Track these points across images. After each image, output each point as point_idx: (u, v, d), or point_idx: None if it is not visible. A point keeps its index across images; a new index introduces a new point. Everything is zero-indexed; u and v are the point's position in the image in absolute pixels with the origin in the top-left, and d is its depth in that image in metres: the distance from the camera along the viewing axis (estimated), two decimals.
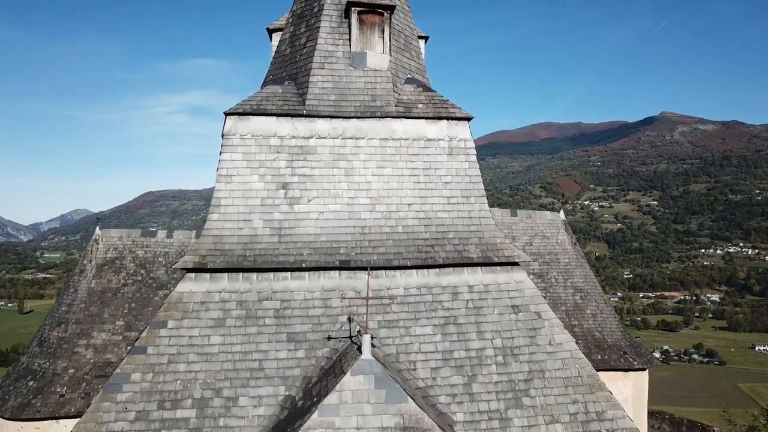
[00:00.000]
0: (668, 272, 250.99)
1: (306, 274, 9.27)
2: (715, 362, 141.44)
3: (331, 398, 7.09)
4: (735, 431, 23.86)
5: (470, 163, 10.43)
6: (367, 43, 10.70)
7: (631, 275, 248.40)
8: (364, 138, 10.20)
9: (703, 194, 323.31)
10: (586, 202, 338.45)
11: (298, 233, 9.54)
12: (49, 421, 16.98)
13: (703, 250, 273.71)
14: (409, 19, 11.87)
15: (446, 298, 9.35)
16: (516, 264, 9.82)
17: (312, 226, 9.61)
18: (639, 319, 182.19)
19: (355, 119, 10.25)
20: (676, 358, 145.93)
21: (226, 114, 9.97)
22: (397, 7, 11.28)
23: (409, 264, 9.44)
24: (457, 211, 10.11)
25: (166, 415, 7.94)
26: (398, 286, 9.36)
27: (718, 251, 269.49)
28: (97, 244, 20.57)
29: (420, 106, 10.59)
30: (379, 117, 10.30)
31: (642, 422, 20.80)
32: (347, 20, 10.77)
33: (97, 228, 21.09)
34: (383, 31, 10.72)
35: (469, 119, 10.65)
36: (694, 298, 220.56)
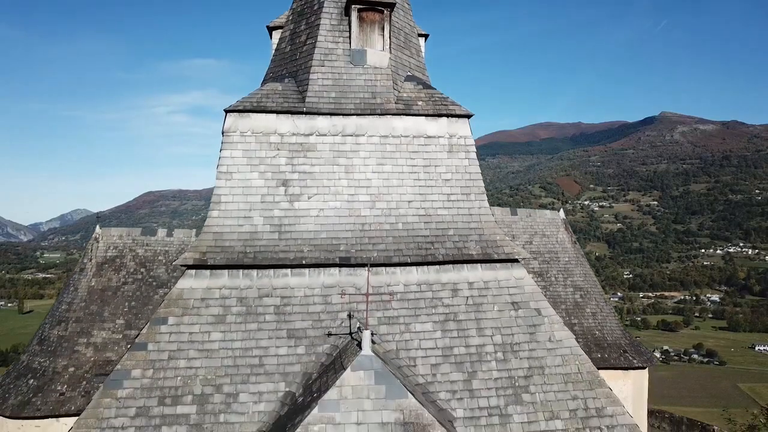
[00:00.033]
0: (668, 272, 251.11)
1: (306, 270, 9.28)
2: (715, 362, 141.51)
3: (331, 394, 7.11)
4: (735, 430, 23.87)
5: (470, 161, 10.45)
6: (367, 40, 10.71)
7: (631, 275, 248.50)
8: (364, 135, 10.22)
9: (703, 194, 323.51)
10: (586, 202, 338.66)
11: (299, 230, 9.55)
12: (50, 419, 16.99)
13: (703, 250, 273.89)
14: (409, 16, 11.88)
15: (446, 295, 9.36)
16: (516, 261, 9.84)
17: (312, 223, 9.63)
18: (639, 319, 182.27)
19: (355, 116, 10.26)
20: (676, 358, 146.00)
21: (227, 111, 9.99)
22: (397, 5, 11.30)
23: (409, 261, 9.46)
24: (457, 208, 10.12)
25: (167, 411, 7.96)
26: (398, 282, 9.38)
27: (718, 251, 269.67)
28: (98, 242, 20.58)
29: (420, 103, 10.61)
30: (379, 114, 10.32)
31: (642, 421, 20.83)
32: (347, 18, 10.79)
33: (98, 227, 21.10)
34: (383, 29, 10.74)
35: (469, 116, 10.67)
36: (694, 298, 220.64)
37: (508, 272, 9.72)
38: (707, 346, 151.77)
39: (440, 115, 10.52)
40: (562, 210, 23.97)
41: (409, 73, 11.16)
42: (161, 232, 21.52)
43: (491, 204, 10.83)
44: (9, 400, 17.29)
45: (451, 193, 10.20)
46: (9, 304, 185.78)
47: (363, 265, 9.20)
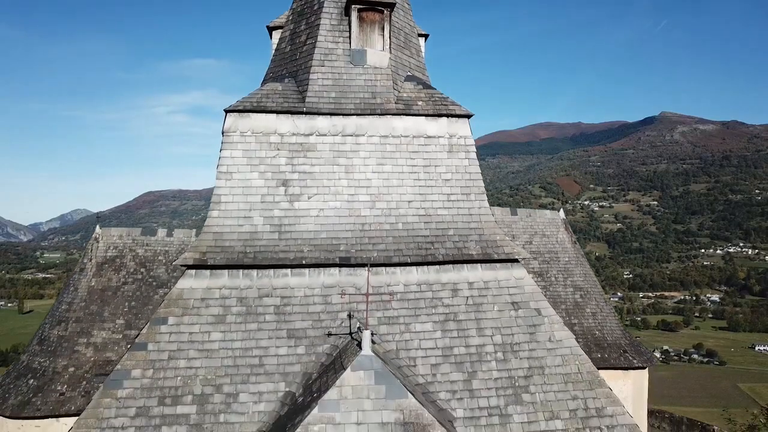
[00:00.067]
0: (668, 272, 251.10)
1: (306, 270, 9.28)
2: (715, 362, 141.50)
3: (331, 393, 7.10)
4: (735, 430, 23.86)
5: (470, 161, 10.45)
6: (367, 40, 10.71)
7: (631, 275, 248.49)
8: (364, 135, 10.22)
9: (703, 194, 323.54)
10: (586, 202, 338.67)
11: (299, 230, 9.55)
12: (50, 419, 16.99)
13: (703, 250, 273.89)
14: (409, 16, 11.88)
15: (446, 295, 9.36)
16: (516, 261, 9.84)
17: (312, 223, 9.63)
18: (639, 319, 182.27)
19: (355, 116, 10.26)
20: (676, 358, 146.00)
21: (227, 111, 9.99)
22: (396, 5, 11.30)
23: (409, 261, 9.46)
24: (457, 208, 10.12)
25: (167, 411, 7.96)
26: (398, 282, 9.37)
27: (718, 251, 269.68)
28: (98, 242, 20.57)
29: (420, 103, 10.61)
30: (379, 114, 10.32)
31: (642, 421, 20.82)
32: (347, 18, 10.79)
33: (98, 226, 21.10)
34: (383, 29, 10.74)
35: (469, 116, 10.67)
36: (694, 298, 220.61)
37: (508, 272, 9.72)
38: (707, 346, 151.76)
39: (440, 115, 10.52)
40: (562, 210, 23.97)
41: (409, 73, 11.16)
42: (161, 232, 21.52)
43: (491, 204, 10.84)
44: (9, 400, 17.29)
45: (451, 193, 10.20)
46: (9, 304, 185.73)
47: (363, 265, 9.20)
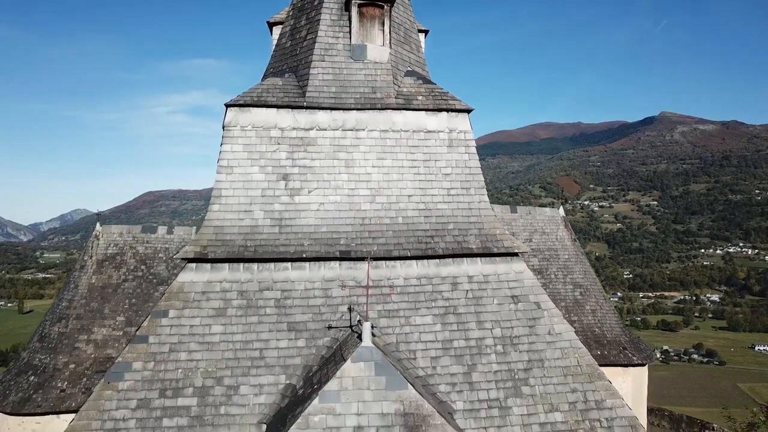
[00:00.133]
0: (668, 272, 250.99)
1: (306, 264, 9.32)
2: (715, 362, 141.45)
3: (331, 385, 7.14)
4: (735, 428, 23.85)
5: (470, 155, 10.48)
6: (367, 35, 10.75)
7: (631, 275, 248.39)
8: (364, 130, 10.25)
9: (703, 194, 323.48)
10: (586, 202, 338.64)
11: (299, 224, 9.58)
12: (50, 416, 17.03)
13: (702, 250, 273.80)
14: (409, 12, 11.92)
15: (446, 289, 9.40)
16: (515, 254, 9.87)
17: (312, 217, 9.66)
18: (639, 319, 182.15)
19: (355, 111, 10.30)
20: (675, 358, 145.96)
21: (227, 105, 10.02)
22: (396, 0, 11.33)
23: (409, 254, 9.49)
24: (456, 202, 10.16)
25: (168, 403, 7.99)
26: (398, 276, 9.41)
27: (718, 251, 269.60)
28: (98, 240, 20.61)
29: (420, 98, 10.64)
30: (379, 109, 10.35)
31: (641, 418, 20.84)
32: (347, 13, 10.82)
33: (98, 224, 21.13)
34: (383, 24, 10.77)
35: (469, 111, 10.70)
36: (694, 298, 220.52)
37: (508, 266, 9.76)
38: (707, 346, 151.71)
39: (440, 110, 10.55)
40: (561, 207, 23.99)
41: (409, 69, 11.20)
42: (161, 230, 21.57)
43: (491, 204, 10.87)
44: (9, 397, 17.33)
45: (451, 187, 10.23)
46: (9, 304, 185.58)
47: (363, 259, 9.23)
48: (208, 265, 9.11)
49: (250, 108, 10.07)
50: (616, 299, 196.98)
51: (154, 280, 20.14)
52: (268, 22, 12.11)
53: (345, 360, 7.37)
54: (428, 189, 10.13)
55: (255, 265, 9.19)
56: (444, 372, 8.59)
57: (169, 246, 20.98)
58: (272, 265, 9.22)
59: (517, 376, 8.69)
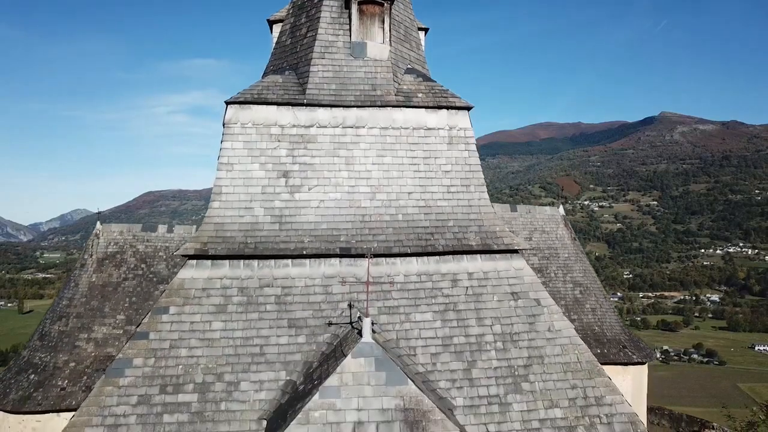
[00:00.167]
0: (668, 272, 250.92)
1: (307, 261, 9.33)
2: (715, 362, 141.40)
3: (331, 380, 7.15)
4: (734, 427, 23.86)
5: (470, 152, 10.50)
6: (367, 33, 10.77)
7: (630, 275, 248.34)
8: (364, 127, 10.27)
9: (703, 194, 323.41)
10: (586, 202, 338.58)
11: (299, 221, 9.60)
12: (50, 414, 17.03)
13: (702, 250, 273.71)
14: (409, 10, 11.94)
15: (446, 285, 9.41)
16: (515, 251, 9.89)
17: (313, 214, 9.68)
18: (639, 319, 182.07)
19: (355, 108, 10.32)
20: (675, 358, 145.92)
21: (227, 102, 10.04)
22: None
23: (409, 251, 9.51)
24: (456, 199, 10.18)
25: (168, 399, 8.00)
26: (398, 273, 9.43)
27: (718, 251, 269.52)
28: (98, 238, 20.61)
29: (420, 95, 10.66)
30: (379, 106, 10.37)
31: (641, 416, 20.85)
32: (347, 11, 10.84)
33: (98, 223, 21.14)
34: (383, 22, 10.79)
35: (468, 108, 10.72)
36: (694, 298, 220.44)
37: (508, 263, 9.78)
38: (707, 346, 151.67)
39: (440, 107, 10.57)
40: (561, 206, 24.00)
41: (409, 66, 11.22)
42: (162, 229, 21.57)
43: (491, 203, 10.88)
44: (10, 395, 17.33)
45: (450, 184, 10.25)
46: (9, 304, 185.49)
47: (363, 256, 9.25)
48: (208, 262, 9.13)
49: (251, 105, 10.09)
50: (616, 299, 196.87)
51: (155, 279, 20.14)
52: (268, 20, 12.13)
53: (345, 356, 7.39)
54: (428, 186, 10.15)
55: (255, 262, 9.21)
56: (444, 368, 8.61)
57: (169, 244, 20.99)
58: (272, 261, 9.24)
59: (517, 373, 8.71)
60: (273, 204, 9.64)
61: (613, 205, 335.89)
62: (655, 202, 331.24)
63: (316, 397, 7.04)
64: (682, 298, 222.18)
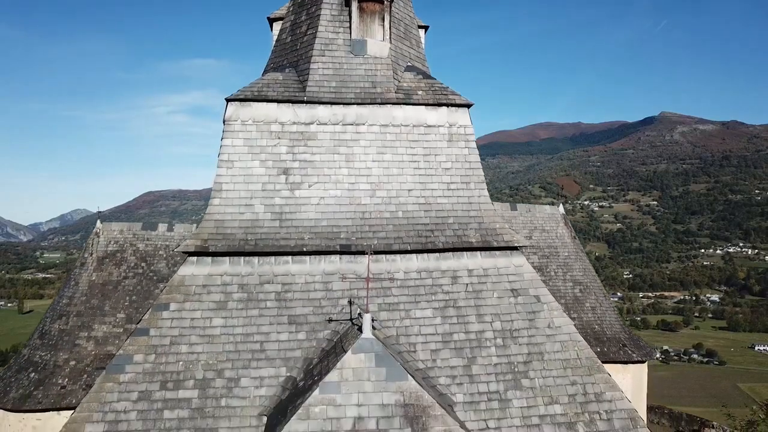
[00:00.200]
0: (668, 272, 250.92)
1: (307, 258, 9.35)
2: (715, 362, 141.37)
3: (332, 376, 7.16)
4: (734, 426, 23.86)
5: (470, 150, 10.51)
6: (367, 30, 10.78)
7: (630, 275, 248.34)
8: (364, 124, 10.28)
9: (703, 194, 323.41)
10: (586, 202, 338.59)
11: (299, 218, 9.62)
12: (51, 412, 17.04)
13: (702, 250, 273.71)
14: (409, 7, 11.96)
15: (446, 282, 9.43)
16: (515, 248, 9.90)
17: (313, 211, 9.69)
18: (639, 319, 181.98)
19: (355, 105, 10.33)
20: (675, 358, 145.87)
21: (228, 100, 10.06)
22: None
23: (409, 248, 9.52)
24: (456, 196, 10.19)
25: (169, 396, 8.02)
26: (398, 270, 9.44)
27: (718, 251, 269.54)
28: (98, 237, 20.62)
29: (420, 92, 10.67)
30: (379, 103, 10.38)
31: (641, 414, 20.86)
32: (348, 8, 10.85)
33: (98, 221, 21.15)
34: (383, 19, 10.81)
35: (468, 106, 10.73)
36: (694, 298, 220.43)
37: (508, 260, 9.79)
38: (707, 346, 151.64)
39: (440, 105, 10.59)
40: (561, 205, 24.02)
41: (409, 64, 11.23)
42: (162, 227, 21.57)
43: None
44: (10, 394, 17.34)
45: (450, 181, 10.26)
46: (9, 304, 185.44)
47: (363, 253, 9.26)
48: (209, 259, 9.15)
49: (251, 102, 10.10)
50: (616, 299, 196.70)
51: (155, 277, 20.15)
52: (268, 18, 12.15)
53: (345, 351, 7.40)
54: (428, 183, 10.16)
55: (255, 259, 9.23)
56: (444, 365, 8.62)
57: (169, 243, 21.00)
58: (273, 258, 9.26)
59: (516, 369, 8.72)
60: (273, 201, 9.66)
61: (613, 205, 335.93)
62: (655, 202, 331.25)
63: (316, 392, 7.05)
64: (682, 298, 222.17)
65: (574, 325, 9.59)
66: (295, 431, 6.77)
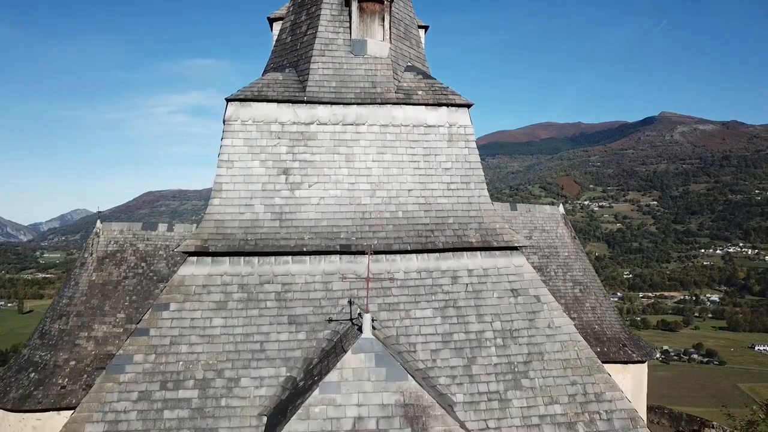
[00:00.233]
0: (668, 272, 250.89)
1: (307, 258, 9.35)
2: (715, 362, 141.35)
3: (332, 376, 7.16)
4: (734, 425, 23.86)
5: (470, 150, 10.51)
6: (367, 30, 10.78)
7: (630, 275, 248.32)
8: (364, 124, 10.28)
9: (703, 194, 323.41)
10: (586, 202, 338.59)
11: (299, 218, 9.62)
12: (51, 412, 17.04)
13: (702, 250, 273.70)
14: (409, 7, 11.96)
15: (446, 282, 9.42)
16: (515, 248, 9.90)
17: (313, 211, 9.69)
18: (639, 319, 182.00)
19: (355, 105, 10.33)
20: (675, 358, 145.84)
21: (228, 100, 10.06)
22: None
23: (409, 248, 9.52)
24: (456, 196, 10.19)
25: (169, 396, 8.02)
26: (398, 270, 9.44)
27: (718, 251, 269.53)
28: (98, 237, 20.62)
29: (420, 92, 10.67)
30: (379, 103, 10.38)
31: (641, 414, 20.86)
32: (348, 8, 10.85)
33: (98, 221, 21.15)
34: (383, 19, 10.81)
35: (468, 106, 10.73)
36: (694, 298, 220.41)
37: (508, 260, 9.79)
38: (707, 346, 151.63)
39: (440, 105, 10.59)
40: (561, 205, 24.02)
41: (409, 64, 11.23)
42: (162, 227, 21.57)
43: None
44: (10, 394, 17.34)
45: (450, 181, 10.26)
46: (9, 304, 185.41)
47: (363, 253, 9.26)
48: (209, 259, 9.14)
49: (251, 102, 10.10)
50: (616, 299, 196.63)
51: (155, 277, 20.15)
52: (268, 18, 12.15)
53: (345, 351, 7.40)
54: (428, 183, 10.16)
55: (255, 259, 9.23)
56: (444, 365, 8.62)
57: (169, 243, 21.00)
58: (273, 258, 9.26)
59: (516, 369, 8.72)
60: (273, 201, 9.66)
61: (613, 205, 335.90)
62: (655, 202, 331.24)
63: (316, 392, 7.05)
64: (682, 298, 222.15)
65: (574, 325, 9.58)
66: (295, 431, 6.77)
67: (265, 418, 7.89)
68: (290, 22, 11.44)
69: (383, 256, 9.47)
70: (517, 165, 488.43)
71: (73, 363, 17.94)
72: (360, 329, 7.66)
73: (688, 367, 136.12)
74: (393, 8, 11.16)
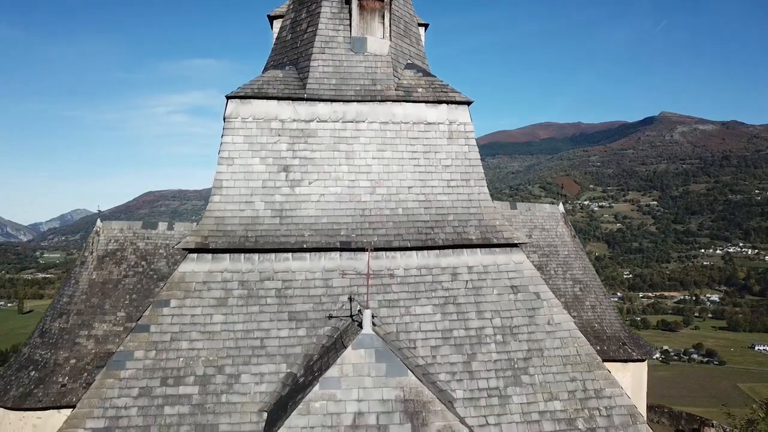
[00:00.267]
0: (668, 272, 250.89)
1: (307, 255, 9.37)
2: (715, 362, 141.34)
3: (332, 371, 7.18)
4: (734, 424, 23.86)
5: (470, 147, 10.53)
6: (367, 28, 10.80)
7: (630, 275, 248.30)
8: (364, 122, 10.30)
9: (703, 194, 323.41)
10: (586, 202, 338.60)
11: (300, 215, 9.63)
12: (51, 410, 17.06)
13: (702, 250, 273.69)
14: (409, 5, 11.98)
15: (446, 279, 9.44)
16: (515, 245, 9.92)
17: (313, 208, 9.71)
18: (639, 319, 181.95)
19: (355, 103, 10.35)
20: (675, 358, 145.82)
21: (228, 97, 10.07)
22: None
23: (409, 245, 9.53)
24: (456, 193, 10.20)
25: (169, 392, 8.03)
26: (398, 266, 9.46)
27: (718, 251, 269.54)
28: (98, 236, 20.64)
29: (420, 90, 10.69)
30: (379, 101, 10.40)
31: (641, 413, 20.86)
32: (348, 6, 10.87)
33: (98, 220, 21.16)
34: (383, 17, 10.82)
35: (468, 103, 10.75)
36: (694, 298, 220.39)
37: (508, 257, 9.80)
38: (707, 346, 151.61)
39: (440, 102, 10.60)
40: (561, 204, 24.03)
41: (409, 61, 11.25)
42: (162, 226, 21.60)
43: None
44: (10, 392, 17.37)
45: (450, 179, 10.28)
46: (9, 304, 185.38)
47: (363, 250, 9.28)
48: (209, 256, 9.16)
49: (251, 100, 10.12)
50: (616, 299, 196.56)
51: (155, 276, 20.17)
52: (268, 16, 12.17)
53: (345, 347, 7.42)
54: (428, 180, 10.18)
55: (256, 256, 9.24)
56: (444, 361, 8.64)
57: (169, 242, 21.02)
58: (273, 255, 9.28)
59: (516, 366, 8.73)
60: (273, 198, 9.68)
61: (613, 205, 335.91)
62: (655, 202, 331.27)
63: (316, 388, 7.07)
64: (682, 298, 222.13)
65: (574, 323, 9.59)
66: (295, 426, 6.79)
67: (265, 414, 7.90)
68: (290, 19, 11.46)
69: (383, 252, 9.49)
70: (517, 165, 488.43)
71: (73, 361, 17.96)
72: (360, 325, 7.68)
73: (688, 367, 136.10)
74: (393, 6, 11.18)
